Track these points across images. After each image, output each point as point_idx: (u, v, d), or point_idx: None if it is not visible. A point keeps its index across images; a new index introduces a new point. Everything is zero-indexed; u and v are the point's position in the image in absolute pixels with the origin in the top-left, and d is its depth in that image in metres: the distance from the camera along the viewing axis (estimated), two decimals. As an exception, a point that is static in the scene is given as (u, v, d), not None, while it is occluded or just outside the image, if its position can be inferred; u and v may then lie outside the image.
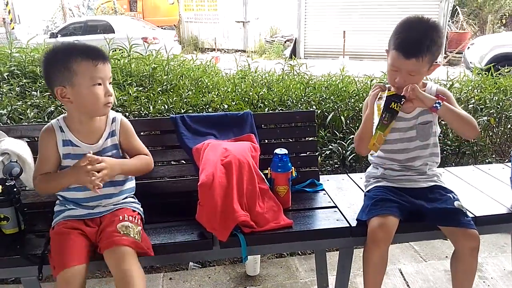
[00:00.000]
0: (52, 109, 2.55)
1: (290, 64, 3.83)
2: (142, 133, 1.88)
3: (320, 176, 2.11)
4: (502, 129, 3.28)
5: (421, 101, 1.66)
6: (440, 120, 2.08)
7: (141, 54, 3.64)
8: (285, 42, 14.40)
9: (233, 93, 3.00)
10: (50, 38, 10.10)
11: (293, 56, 9.72)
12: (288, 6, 14.20)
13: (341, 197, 1.93)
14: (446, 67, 6.18)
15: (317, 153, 2.16)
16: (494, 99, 3.18)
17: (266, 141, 2.12)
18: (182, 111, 2.65)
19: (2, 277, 1.92)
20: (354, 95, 3.11)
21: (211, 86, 3.22)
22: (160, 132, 2.03)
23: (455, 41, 12.43)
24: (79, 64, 1.46)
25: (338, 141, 2.84)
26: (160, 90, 2.99)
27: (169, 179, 1.99)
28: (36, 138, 1.77)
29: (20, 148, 1.69)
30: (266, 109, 2.79)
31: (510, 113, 3.17)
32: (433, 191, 1.77)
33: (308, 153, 2.12)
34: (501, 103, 3.16)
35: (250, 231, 1.59)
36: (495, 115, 3.11)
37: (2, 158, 1.60)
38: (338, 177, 2.20)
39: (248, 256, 1.62)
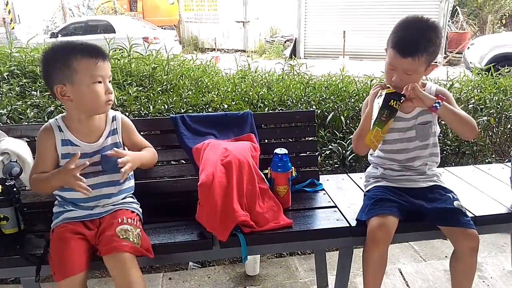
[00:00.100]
0: (52, 109, 2.55)
1: (290, 64, 3.83)
2: (142, 133, 1.87)
3: (320, 176, 2.11)
4: (502, 129, 3.28)
5: (421, 101, 1.66)
6: (440, 120, 2.08)
7: (142, 54, 3.64)
8: (285, 42, 14.40)
9: (233, 93, 3.00)
10: (50, 38, 10.10)
11: (293, 56, 9.72)
12: (288, 6, 14.20)
13: (341, 197, 1.93)
14: (446, 67, 6.18)
15: (317, 153, 2.16)
16: (494, 99, 3.18)
17: (266, 141, 2.12)
18: (182, 111, 2.65)
19: (1, 277, 1.92)
20: (354, 95, 3.11)
21: (211, 86, 3.22)
22: (160, 132, 2.03)
23: (455, 41, 12.43)
24: (79, 62, 1.46)
25: (338, 141, 2.85)
26: (160, 90, 2.99)
27: (169, 179, 1.99)
28: (35, 138, 1.77)
29: (20, 148, 1.69)
30: (266, 109, 2.79)
31: (510, 113, 3.17)
32: (432, 191, 1.77)
33: (308, 153, 2.12)
34: (501, 103, 3.16)
35: (250, 231, 1.59)
36: (495, 115, 3.11)
37: (2, 158, 1.60)
38: (338, 177, 2.20)
39: (248, 256, 1.61)
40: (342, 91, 3.17)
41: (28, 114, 2.49)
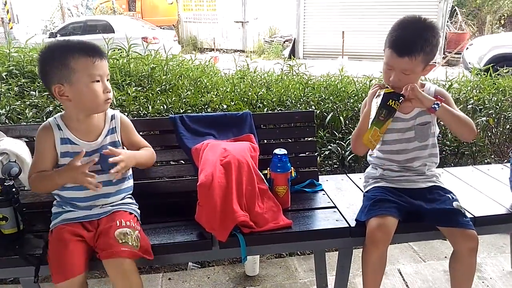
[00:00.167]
0: (51, 109, 2.55)
1: (289, 64, 3.83)
2: (141, 133, 1.87)
3: (319, 177, 2.11)
4: (501, 129, 3.29)
5: (419, 101, 1.66)
6: (439, 121, 2.08)
7: (140, 54, 3.64)
8: (284, 42, 14.40)
9: (232, 93, 3.00)
10: (49, 37, 10.08)
11: (292, 56, 9.73)
12: (287, 6, 14.20)
13: (340, 198, 1.93)
14: (445, 68, 6.19)
15: (316, 153, 2.16)
16: (493, 99, 3.18)
17: (265, 141, 2.12)
18: (181, 111, 2.65)
19: (0, 277, 1.92)
20: (353, 95, 3.11)
21: (210, 86, 3.22)
22: (159, 132, 2.03)
23: (454, 41, 12.45)
24: (76, 61, 1.46)
25: (337, 141, 2.85)
26: (159, 90, 2.99)
27: (168, 179, 1.99)
28: (34, 138, 1.76)
29: (19, 148, 1.68)
30: (265, 109, 2.79)
31: (509, 113, 3.18)
32: (432, 191, 1.77)
33: (307, 153, 2.12)
34: (500, 104, 3.16)
35: (250, 231, 1.59)
36: (494, 115, 3.12)
37: (1, 158, 1.60)
38: (337, 177, 2.20)
39: (248, 256, 1.61)
40: (341, 91, 3.17)
41: (27, 114, 2.48)
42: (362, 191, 1.92)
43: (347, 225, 1.69)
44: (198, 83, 3.27)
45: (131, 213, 1.61)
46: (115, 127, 1.64)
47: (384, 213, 1.62)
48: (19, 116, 2.52)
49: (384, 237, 1.58)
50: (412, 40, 1.61)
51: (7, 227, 1.56)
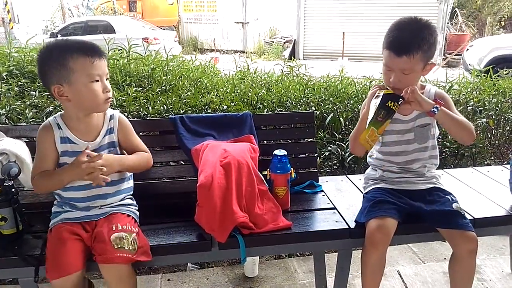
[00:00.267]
0: (51, 109, 2.55)
1: (289, 65, 3.83)
2: (141, 134, 1.87)
3: (319, 178, 2.11)
4: (501, 131, 3.29)
5: (419, 104, 1.65)
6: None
7: (141, 55, 3.64)
8: (284, 43, 14.42)
9: (232, 94, 3.00)
10: (50, 38, 10.09)
11: (292, 57, 9.73)
12: (287, 7, 14.22)
13: (340, 199, 1.93)
14: (445, 69, 6.19)
15: (316, 154, 2.15)
16: (493, 101, 3.18)
17: (265, 142, 2.12)
18: (181, 111, 2.65)
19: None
20: (353, 96, 3.11)
21: (210, 87, 3.22)
22: (159, 132, 2.03)
23: (454, 43, 12.46)
24: (75, 61, 1.46)
25: (337, 142, 2.84)
26: (159, 91, 2.99)
27: (168, 180, 1.99)
28: (34, 138, 1.76)
29: (19, 148, 1.68)
30: (265, 110, 2.79)
31: (509, 115, 3.17)
32: (431, 193, 1.77)
33: (307, 154, 2.12)
34: (500, 105, 3.16)
35: (249, 233, 1.59)
36: (494, 117, 3.12)
37: (1, 158, 1.59)
38: (337, 178, 2.20)
39: (247, 258, 1.61)
40: (341, 92, 3.17)
41: (27, 114, 2.48)
42: (362, 192, 1.92)
43: (347, 226, 1.69)
44: (198, 84, 3.27)
45: (129, 215, 1.60)
46: (113, 127, 1.64)
47: (384, 215, 1.62)
48: (19, 116, 2.52)
49: (383, 238, 1.58)
50: (409, 39, 1.61)
51: (6, 227, 1.56)
